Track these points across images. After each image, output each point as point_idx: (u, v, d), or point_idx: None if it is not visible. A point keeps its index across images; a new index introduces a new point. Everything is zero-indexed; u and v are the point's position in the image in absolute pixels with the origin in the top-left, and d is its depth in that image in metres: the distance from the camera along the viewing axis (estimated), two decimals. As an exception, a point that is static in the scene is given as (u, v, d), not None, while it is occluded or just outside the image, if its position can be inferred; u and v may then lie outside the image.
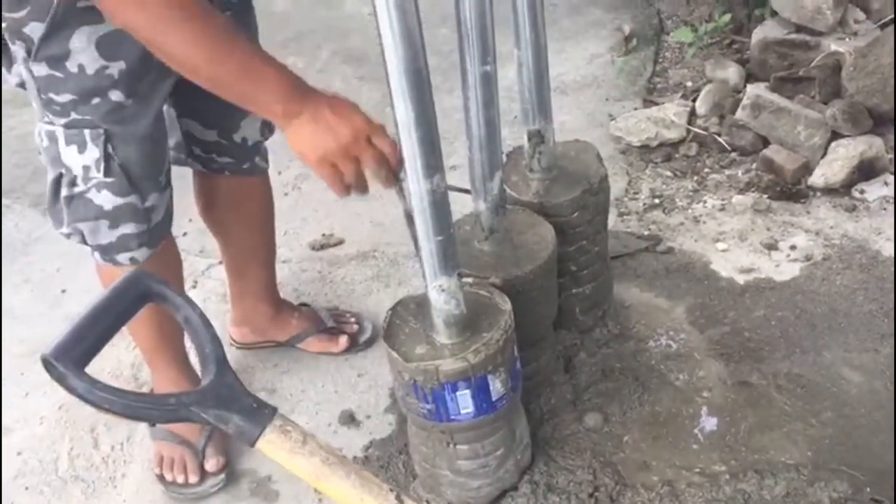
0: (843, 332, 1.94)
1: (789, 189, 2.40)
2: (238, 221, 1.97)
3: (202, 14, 1.23)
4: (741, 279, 2.13)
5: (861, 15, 2.76)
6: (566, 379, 1.88)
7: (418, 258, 1.52)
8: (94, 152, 1.51)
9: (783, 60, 2.73)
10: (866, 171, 2.35)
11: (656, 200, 2.44)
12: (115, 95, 1.46)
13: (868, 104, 2.42)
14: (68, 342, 0.93)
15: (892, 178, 2.34)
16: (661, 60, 3.11)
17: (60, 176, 1.55)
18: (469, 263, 1.64)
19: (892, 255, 2.13)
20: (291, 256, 2.45)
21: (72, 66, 1.41)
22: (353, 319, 2.12)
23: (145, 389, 2.03)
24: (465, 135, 1.59)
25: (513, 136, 2.20)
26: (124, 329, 1.10)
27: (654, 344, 1.97)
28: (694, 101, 2.79)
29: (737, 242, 2.25)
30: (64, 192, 1.56)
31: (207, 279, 2.39)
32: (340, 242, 2.49)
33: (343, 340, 2.07)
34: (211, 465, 1.84)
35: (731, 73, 2.83)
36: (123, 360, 2.16)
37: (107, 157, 1.51)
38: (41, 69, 1.43)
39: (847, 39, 2.69)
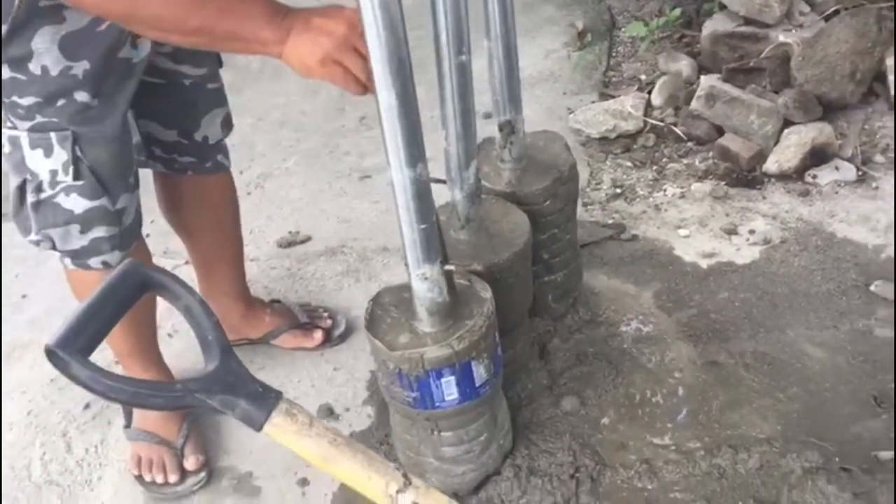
0: (804, 311, 2.02)
1: (745, 176, 2.47)
2: (204, 220, 1.96)
3: None
4: (704, 263, 2.19)
5: (806, 7, 2.86)
6: (541, 365, 1.92)
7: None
8: (61, 155, 1.48)
9: (734, 52, 2.81)
10: (818, 156, 2.43)
11: (618, 190, 2.50)
12: (81, 96, 1.44)
13: (817, 92, 2.51)
14: (71, 332, 0.93)
15: (842, 162, 2.43)
16: (614, 55, 3.18)
17: (25, 182, 1.51)
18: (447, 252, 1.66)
19: (847, 235, 2.21)
20: (259, 255, 2.44)
21: (35, 67, 1.38)
22: (326, 314, 2.13)
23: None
24: (441, 125, 1.61)
25: (481, 128, 2.22)
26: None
27: (624, 328, 2.02)
28: (649, 93, 2.85)
29: (698, 228, 2.31)
30: (30, 198, 1.52)
31: (174, 280, 2.36)
32: (308, 239, 2.49)
33: (318, 335, 2.07)
34: (191, 463, 1.83)
35: (684, 65, 2.90)
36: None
37: (75, 160, 1.48)
38: (3, 72, 1.39)
39: (793, 31, 2.78)
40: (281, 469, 1.82)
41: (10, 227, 2.00)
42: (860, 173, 2.40)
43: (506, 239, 1.72)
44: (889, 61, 2.52)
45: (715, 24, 2.90)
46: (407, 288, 1.57)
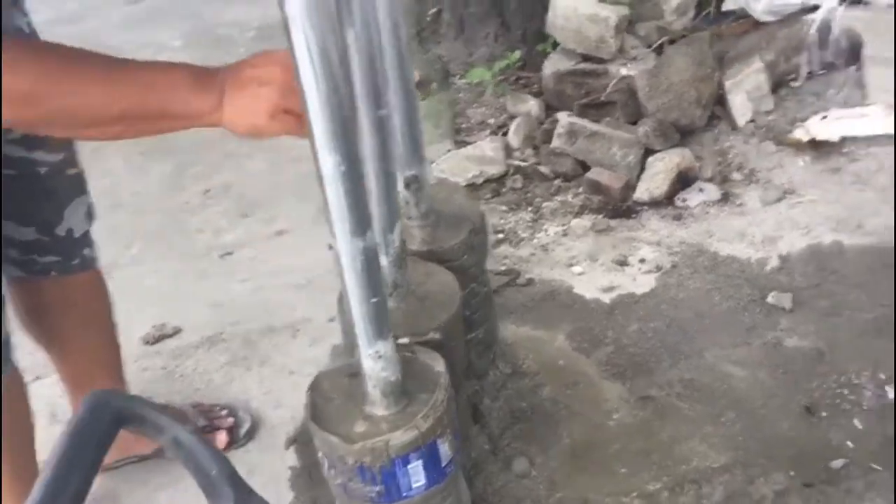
0: (714, 332, 2.04)
1: (619, 206, 2.50)
2: (75, 327, 1.69)
3: (75, 54, 1.04)
4: (606, 298, 2.17)
5: (635, 41, 2.98)
6: (479, 430, 1.80)
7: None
8: None
9: (579, 89, 2.87)
10: (683, 181, 2.51)
11: (500, 235, 2.44)
12: None
13: (669, 120, 2.60)
14: (48, 499, 0.70)
15: (705, 184, 2.52)
16: (458, 102, 3.16)
17: None
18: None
19: (729, 253, 2.27)
20: (125, 356, 2.13)
21: None
22: (224, 412, 1.89)
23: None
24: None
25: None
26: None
27: (549, 377, 1.94)
28: (504, 135, 2.84)
29: (589, 264, 2.30)
30: None
31: (26, 400, 2.02)
32: (178, 331, 2.23)
33: (221, 437, 1.83)
34: None
35: (532, 105, 2.93)
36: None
37: None
38: None
39: (628, 64, 2.88)
40: None
41: None
42: (722, 192, 2.50)
43: (437, 301, 1.59)
44: (727, 84, 2.66)
45: (555, 64, 2.95)
46: (346, 370, 1.41)
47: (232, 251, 2.52)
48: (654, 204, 2.49)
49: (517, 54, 3.02)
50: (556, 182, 2.63)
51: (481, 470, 1.71)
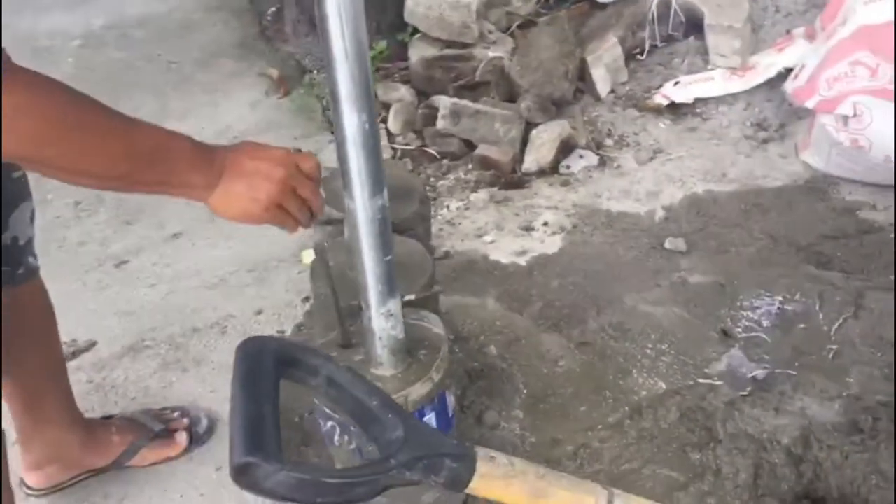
0: (625, 279, 2.21)
1: (511, 178, 2.64)
2: (22, 342, 1.57)
3: (90, 109, 0.99)
4: (522, 261, 2.30)
5: (490, 26, 3.14)
6: (442, 392, 1.85)
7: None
8: None
9: (449, 73, 2.98)
10: (565, 149, 2.69)
11: (405, 215, 2.50)
12: None
13: (543, 94, 2.77)
14: (252, 436, 0.69)
15: (583, 151, 2.71)
16: (324, 96, 3.17)
17: None
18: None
19: (621, 209, 2.47)
20: (42, 376, 2.00)
21: None
22: (176, 414, 1.83)
23: None
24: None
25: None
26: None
27: (491, 337, 2.03)
28: (383, 122, 2.90)
29: (498, 232, 2.41)
30: None
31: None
32: (93, 344, 2.11)
33: (182, 438, 1.77)
34: None
35: (404, 92, 3.00)
36: None
37: None
38: None
39: (490, 47, 3.04)
40: None
41: None
42: (600, 157, 2.70)
43: (412, 265, 1.64)
44: (589, 59, 2.87)
45: (420, 51, 3.04)
46: (335, 342, 1.44)
47: (127, 259, 2.40)
48: (542, 173, 2.65)
49: (384, 44, 3.08)
50: (446, 161, 2.73)
51: (455, 426, 1.77)
